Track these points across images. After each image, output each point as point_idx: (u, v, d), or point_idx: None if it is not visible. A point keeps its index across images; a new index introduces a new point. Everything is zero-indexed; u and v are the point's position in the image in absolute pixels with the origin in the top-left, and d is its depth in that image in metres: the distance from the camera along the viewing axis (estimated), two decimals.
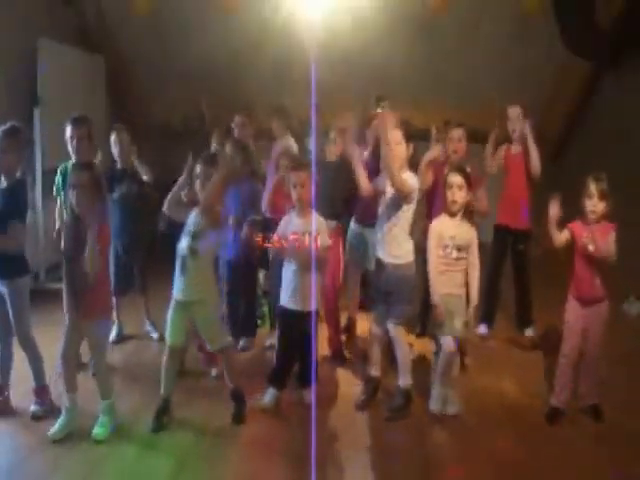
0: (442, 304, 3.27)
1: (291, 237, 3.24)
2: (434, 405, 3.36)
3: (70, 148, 3.77)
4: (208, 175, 3.11)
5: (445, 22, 5.85)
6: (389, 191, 3.28)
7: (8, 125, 3.25)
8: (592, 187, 3.19)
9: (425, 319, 4.49)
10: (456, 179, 3.28)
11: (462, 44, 5.96)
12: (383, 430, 3.25)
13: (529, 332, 4.47)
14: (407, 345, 3.46)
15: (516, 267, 4.42)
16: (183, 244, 3.15)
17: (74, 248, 2.98)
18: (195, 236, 3.12)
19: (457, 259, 3.29)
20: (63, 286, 3.13)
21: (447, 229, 3.31)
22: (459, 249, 3.29)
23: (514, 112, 4.29)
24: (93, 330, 3.10)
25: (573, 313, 3.31)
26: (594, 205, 3.18)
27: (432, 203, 3.98)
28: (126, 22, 6.26)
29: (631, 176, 5.15)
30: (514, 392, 3.67)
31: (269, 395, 3.44)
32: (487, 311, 4.51)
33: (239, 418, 3.27)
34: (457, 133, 3.87)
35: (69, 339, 3.10)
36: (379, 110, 4.83)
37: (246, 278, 4.24)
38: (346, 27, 5.70)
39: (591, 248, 3.20)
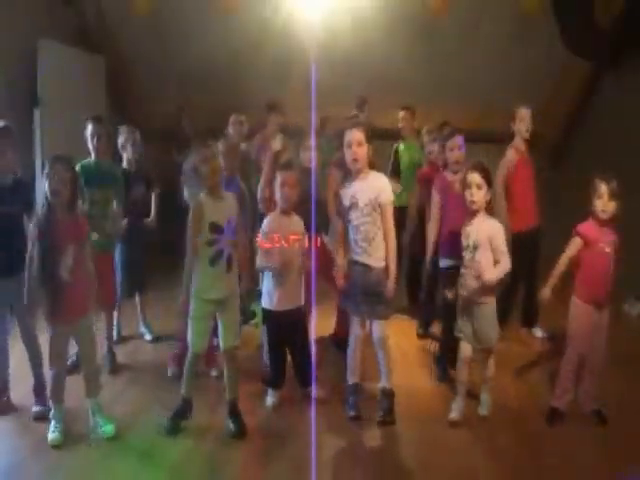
0: (465, 310, 3.28)
1: (276, 237, 3.23)
2: (453, 415, 3.31)
3: (90, 146, 3.80)
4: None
5: (445, 22, 5.85)
6: (365, 201, 3.21)
7: (1, 124, 3.26)
8: (602, 187, 3.13)
9: (428, 320, 4.49)
10: (475, 178, 3.20)
11: (462, 44, 5.95)
12: (382, 431, 3.23)
13: (537, 332, 4.47)
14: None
15: (531, 266, 4.34)
16: (225, 243, 3.05)
17: (54, 243, 2.93)
18: (234, 230, 3.10)
19: (472, 260, 3.21)
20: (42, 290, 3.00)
21: (464, 230, 3.27)
22: (475, 247, 3.20)
23: (527, 112, 4.19)
24: (80, 327, 3.06)
25: (583, 317, 3.23)
26: (604, 205, 3.12)
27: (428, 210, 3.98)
28: (126, 22, 6.25)
29: (631, 176, 5.15)
30: (516, 392, 3.67)
31: (270, 397, 3.45)
32: (501, 315, 4.49)
33: (241, 431, 3.15)
34: (457, 141, 3.69)
35: (56, 347, 3.04)
36: (401, 115, 4.82)
37: None
38: (346, 27, 5.71)
39: (608, 250, 3.17)
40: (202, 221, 3.01)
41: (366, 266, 3.25)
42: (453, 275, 3.45)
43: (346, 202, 3.29)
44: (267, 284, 3.35)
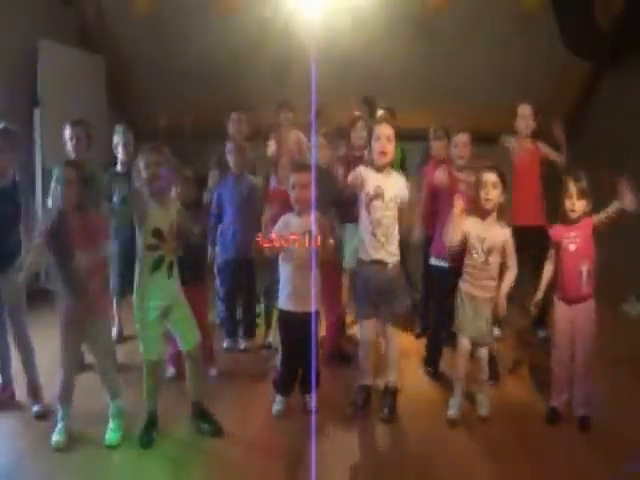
0: (466, 304, 3.28)
1: (291, 237, 3.20)
2: (452, 412, 3.31)
3: (69, 148, 3.80)
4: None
5: (445, 22, 5.85)
6: (390, 194, 3.24)
7: (0, 126, 3.29)
8: (570, 186, 3.18)
9: (426, 319, 4.49)
10: (491, 177, 3.22)
11: (462, 44, 5.95)
12: (382, 432, 3.23)
13: (540, 332, 4.46)
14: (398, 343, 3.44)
15: (535, 265, 4.35)
16: (167, 249, 3.02)
17: (69, 244, 2.94)
18: (180, 236, 3.07)
19: (485, 263, 3.23)
20: (60, 286, 3.02)
21: (476, 231, 3.26)
22: (489, 252, 3.23)
23: (526, 110, 4.25)
24: (99, 329, 3.06)
25: (560, 315, 3.29)
26: (573, 204, 3.18)
27: (433, 205, 3.97)
28: (126, 22, 6.25)
29: (631, 176, 5.15)
30: (516, 392, 3.67)
31: (278, 403, 3.40)
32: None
33: (215, 431, 3.15)
34: (462, 138, 3.73)
35: (68, 345, 3.04)
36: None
37: (246, 279, 4.25)
38: (346, 27, 5.71)
39: (572, 248, 3.20)
40: (145, 223, 2.99)
41: (381, 263, 3.24)
42: (447, 275, 3.52)
43: (370, 190, 3.25)
44: (282, 283, 3.32)
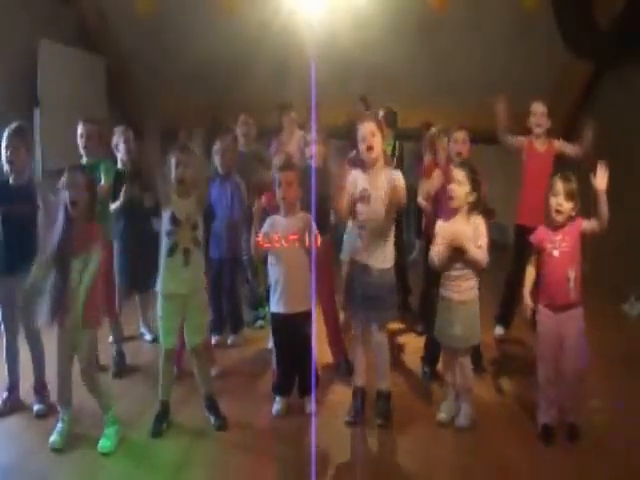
0: (440, 309, 3.24)
1: (290, 237, 3.20)
2: (442, 415, 3.29)
3: (80, 146, 3.83)
4: (189, 163, 3.11)
5: (445, 22, 5.86)
6: (377, 197, 3.13)
7: (14, 124, 3.29)
8: (559, 185, 3.01)
9: (426, 318, 4.49)
10: (457, 174, 3.14)
11: (462, 44, 5.96)
12: (381, 436, 3.20)
13: None
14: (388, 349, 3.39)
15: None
16: (182, 236, 3.10)
17: (65, 251, 2.91)
18: (196, 226, 3.14)
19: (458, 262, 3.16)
20: (48, 293, 2.97)
21: (445, 231, 3.18)
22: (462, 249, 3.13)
23: (539, 108, 4.22)
24: (80, 339, 3.00)
25: (545, 324, 3.11)
26: (559, 204, 2.99)
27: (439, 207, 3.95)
28: (126, 22, 6.26)
29: (631, 177, 5.15)
30: (515, 393, 3.66)
31: (277, 404, 3.38)
32: (505, 312, 4.47)
33: (220, 425, 3.20)
34: (460, 135, 3.75)
35: (60, 351, 3.02)
36: (380, 116, 4.81)
37: (231, 273, 4.27)
38: (346, 26, 5.71)
39: (556, 253, 3.05)
40: (165, 209, 3.12)
41: (366, 267, 3.18)
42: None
43: (355, 192, 3.17)
44: (273, 286, 3.30)
